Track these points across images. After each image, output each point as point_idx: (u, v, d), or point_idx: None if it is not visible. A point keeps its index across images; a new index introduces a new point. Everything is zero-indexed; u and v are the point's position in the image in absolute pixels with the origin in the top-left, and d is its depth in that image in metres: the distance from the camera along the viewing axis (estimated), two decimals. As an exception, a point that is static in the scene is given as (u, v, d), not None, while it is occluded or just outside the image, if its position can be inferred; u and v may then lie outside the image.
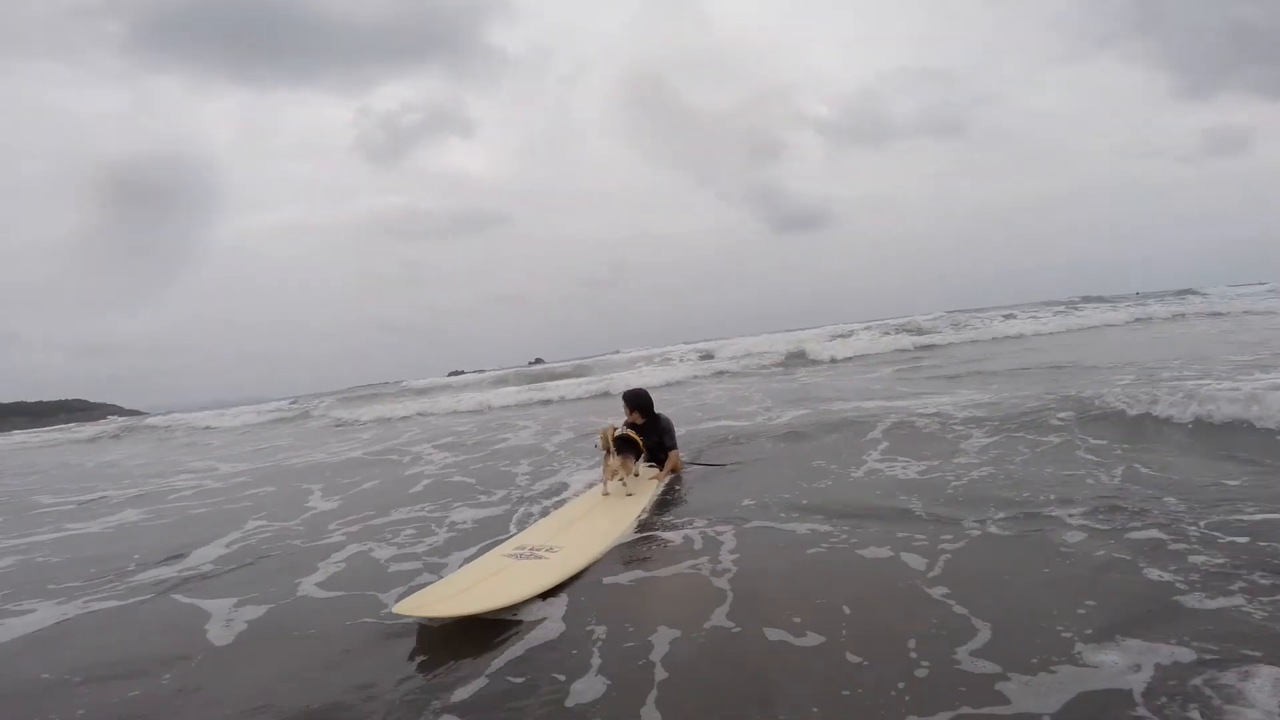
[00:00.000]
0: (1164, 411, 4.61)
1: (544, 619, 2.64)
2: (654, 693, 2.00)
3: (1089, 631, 2.03)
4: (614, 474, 4.30)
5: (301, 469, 7.84)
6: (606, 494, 4.29)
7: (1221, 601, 2.13)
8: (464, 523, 4.30)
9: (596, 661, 2.24)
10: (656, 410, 4.98)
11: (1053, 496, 3.40)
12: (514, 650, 2.39)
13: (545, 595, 2.83)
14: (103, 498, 7.21)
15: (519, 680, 2.17)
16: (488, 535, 3.92)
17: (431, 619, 2.69)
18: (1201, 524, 2.80)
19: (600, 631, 2.47)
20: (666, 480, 4.64)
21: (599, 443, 4.40)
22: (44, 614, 3.33)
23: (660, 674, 2.11)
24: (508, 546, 3.50)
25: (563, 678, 2.14)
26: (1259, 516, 2.84)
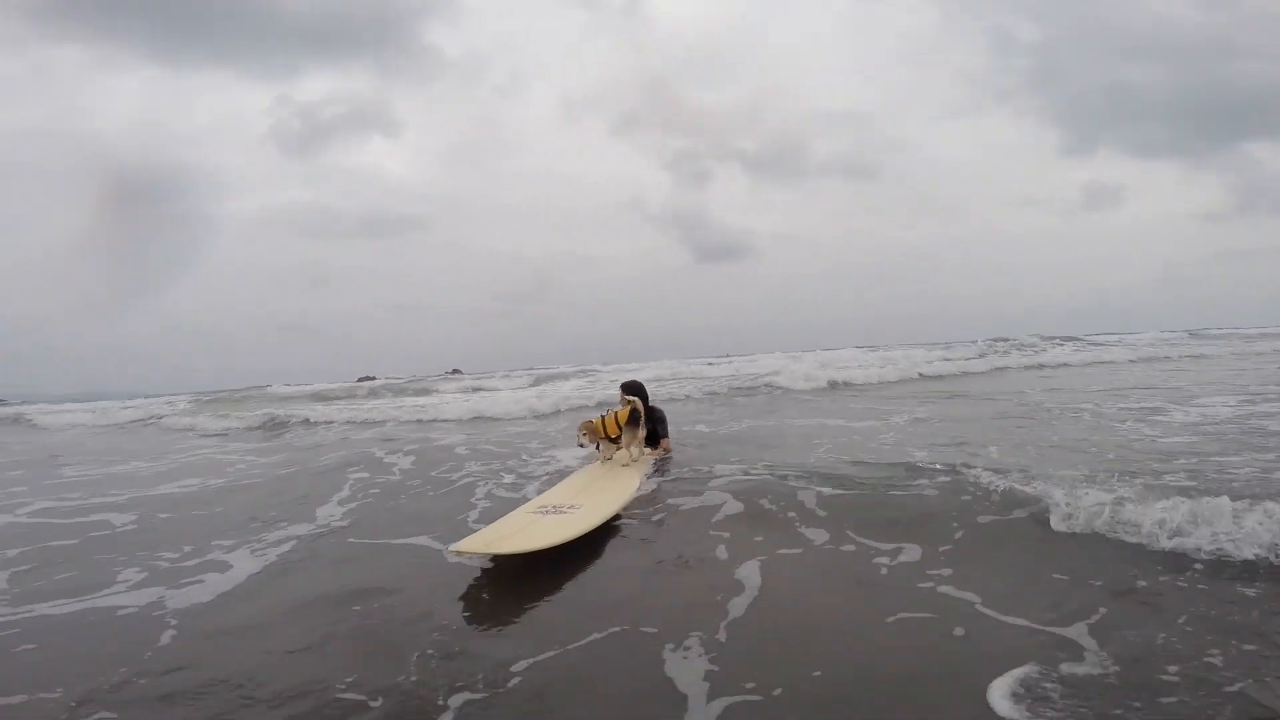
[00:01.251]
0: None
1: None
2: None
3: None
4: (622, 447, 4.88)
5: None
6: (608, 458, 4.90)
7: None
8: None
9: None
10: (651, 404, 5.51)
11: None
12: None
13: (575, 542, 3.28)
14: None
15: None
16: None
17: (493, 555, 3.12)
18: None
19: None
20: (659, 455, 5.25)
21: (584, 438, 4.86)
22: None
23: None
24: (531, 506, 3.88)
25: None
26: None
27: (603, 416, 5.08)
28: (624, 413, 5.00)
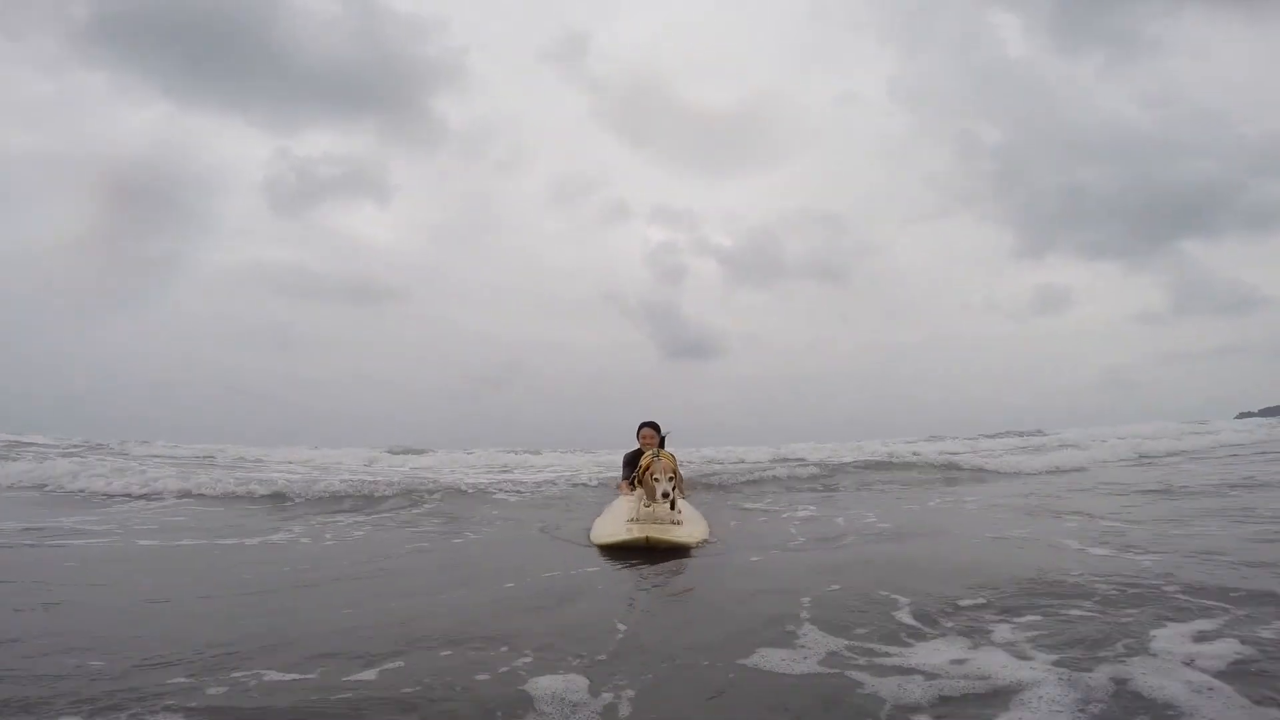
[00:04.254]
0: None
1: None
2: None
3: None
4: (664, 496, 4.31)
5: None
6: (648, 506, 4.37)
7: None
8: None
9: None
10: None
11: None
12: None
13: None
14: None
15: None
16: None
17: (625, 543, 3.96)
18: None
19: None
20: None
21: (655, 474, 4.38)
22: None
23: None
24: (622, 521, 4.40)
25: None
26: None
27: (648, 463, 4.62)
28: (669, 459, 4.60)
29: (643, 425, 6.13)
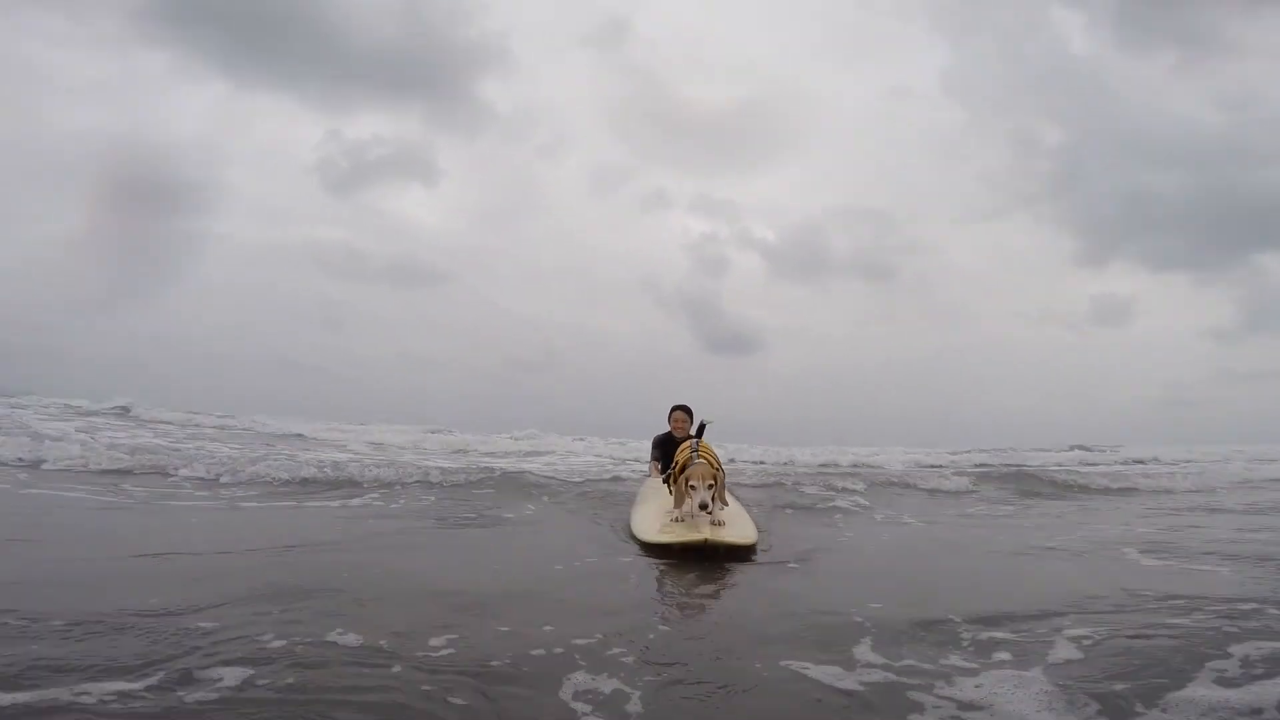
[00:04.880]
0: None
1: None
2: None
3: None
4: (704, 508, 3.87)
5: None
6: (679, 519, 3.94)
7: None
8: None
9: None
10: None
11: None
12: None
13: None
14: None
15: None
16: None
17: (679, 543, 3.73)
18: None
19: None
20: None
21: (692, 481, 3.91)
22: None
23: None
24: (664, 520, 4.07)
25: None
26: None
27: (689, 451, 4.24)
28: (710, 456, 4.14)
29: (674, 408, 5.81)
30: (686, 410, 5.77)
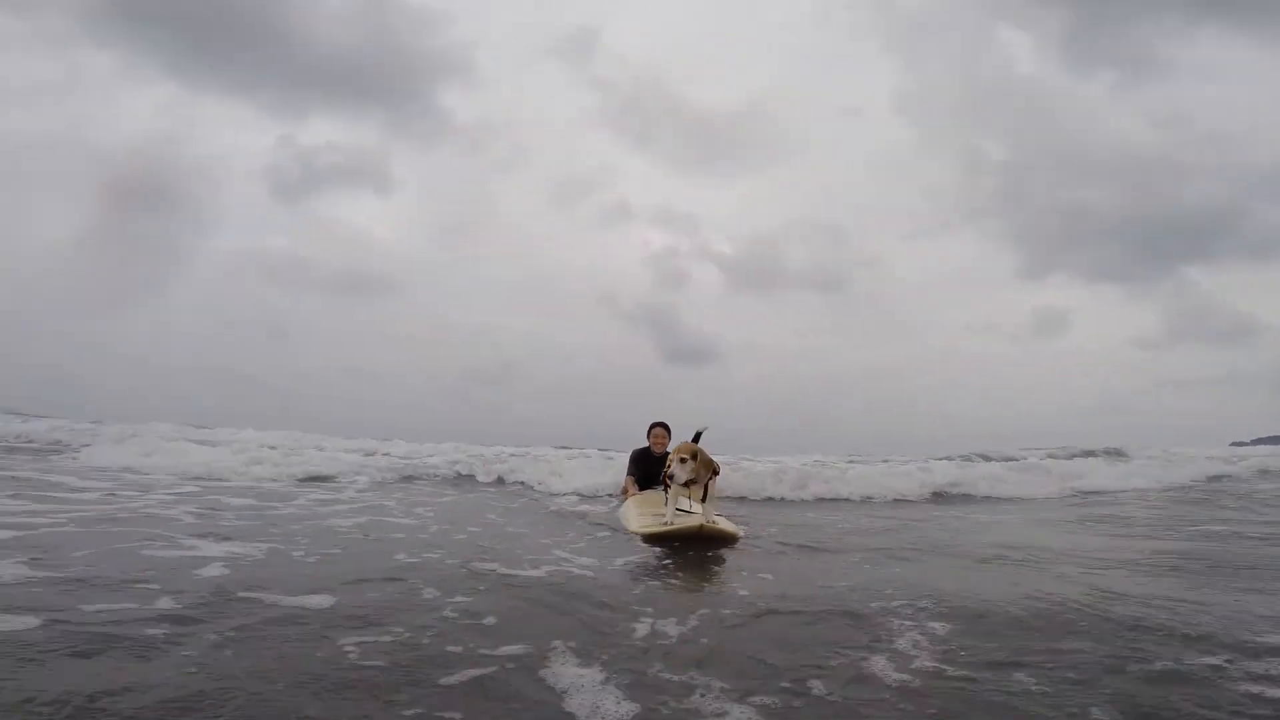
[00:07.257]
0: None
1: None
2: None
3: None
4: (689, 484, 4.25)
5: None
6: (670, 523, 4.18)
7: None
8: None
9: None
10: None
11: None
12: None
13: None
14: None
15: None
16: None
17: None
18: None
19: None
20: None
21: (686, 471, 4.19)
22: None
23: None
24: (645, 517, 4.48)
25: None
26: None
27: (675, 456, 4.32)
28: (707, 458, 4.33)
29: (654, 425, 5.93)
30: (665, 427, 5.89)
